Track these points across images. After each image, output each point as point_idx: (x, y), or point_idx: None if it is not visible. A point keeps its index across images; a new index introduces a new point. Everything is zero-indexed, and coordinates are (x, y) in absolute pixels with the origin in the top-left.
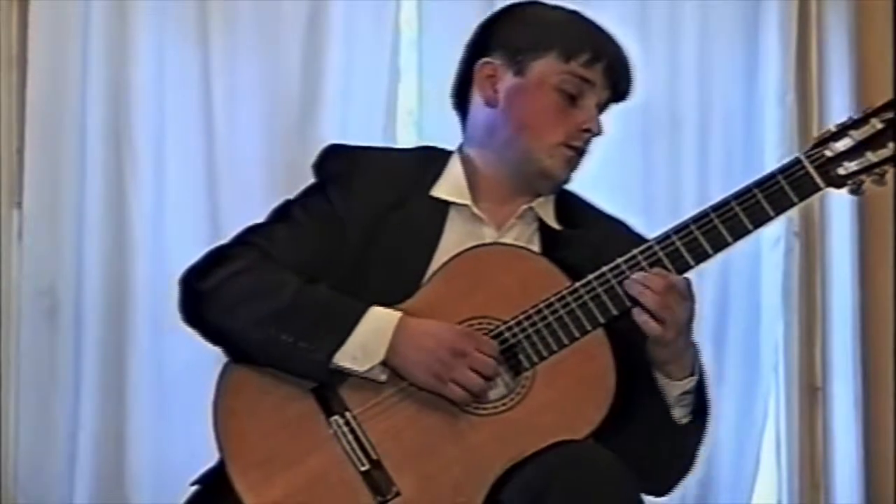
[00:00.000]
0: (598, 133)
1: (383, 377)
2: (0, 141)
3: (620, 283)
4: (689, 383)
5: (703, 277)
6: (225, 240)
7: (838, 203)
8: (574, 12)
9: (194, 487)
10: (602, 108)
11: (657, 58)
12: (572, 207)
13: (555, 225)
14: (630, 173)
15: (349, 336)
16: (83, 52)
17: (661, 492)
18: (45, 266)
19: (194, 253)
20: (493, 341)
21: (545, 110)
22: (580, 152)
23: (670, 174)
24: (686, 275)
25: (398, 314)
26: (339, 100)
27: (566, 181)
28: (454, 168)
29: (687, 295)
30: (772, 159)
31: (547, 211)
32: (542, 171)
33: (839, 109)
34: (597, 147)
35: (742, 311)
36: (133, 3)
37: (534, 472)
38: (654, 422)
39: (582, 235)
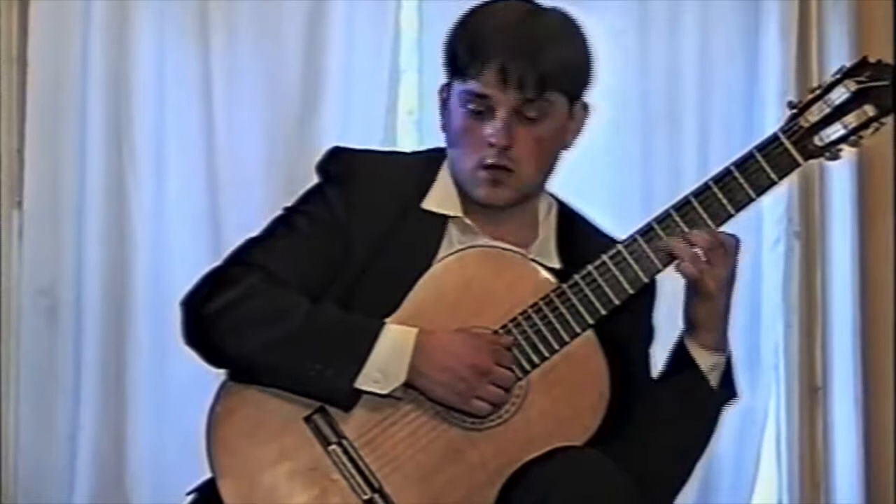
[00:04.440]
0: (500, 144)
1: (400, 393)
2: (0, 141)
3: (607, 280)
4: (720, 358)
5: None
6: (225, 252)
7: (839, 203)
8: (475, 12)
9: (190, 496)
10: (525, 108)
11: (657, 57)
12: (576, 235)
13: (555, 264)
14: (630, 173)
15: (368, 359)
16: (83, 51)
17: (663, 499)
18: (45, 266)
19: (194, 253)
20: (508, 351)
21: (459, 135)
22: (497, 168)
23: (670, 174)
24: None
25: (414, 331)
26: (339, 100)
27: (503, 203)
28: (444, 175)
29: (730, 250)
30: None
31: (546, 250)
32: (475, 198)
33: None
34: (597, 147)
35: (742, 311)
36: (133, 3)
37: (535, 480)
38: (651, 427)
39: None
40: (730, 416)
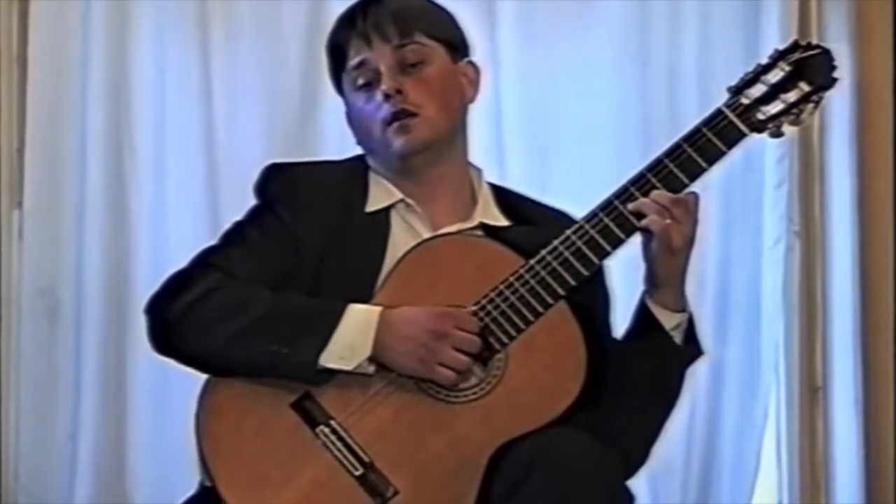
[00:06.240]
0: (390, 88)
1: (371, 369)
2: (0, 141)
3: (573, 253)
4: (682, 317)
5: (703, 277)
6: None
7: (839, 202)
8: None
9: None
10: (402, 56)
11: (657, 58)
12: (514, 204)
13: (503, 222)
14: (629, 174)
15: (332, 336)
16: (83, 52)
17: (637, 462)
18: (45, 266)
19: (194, 251)
20: (473, 318)
21: (362, 116)
22: (400, 115)
23: None
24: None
25: (378, 308)
26: (338, 99)
27: (420, 146)
28: (374, 175)
29: (691, 206)
30: (771, 159)
31: (488, 212)
32: (397, 156)
33: (839, 109)
34: (597, 148)
35: (742, 310)
36: (133, 3)
37: (512, 462)
38: (622, 389)
39: (528, 231)
40: (730, 416)
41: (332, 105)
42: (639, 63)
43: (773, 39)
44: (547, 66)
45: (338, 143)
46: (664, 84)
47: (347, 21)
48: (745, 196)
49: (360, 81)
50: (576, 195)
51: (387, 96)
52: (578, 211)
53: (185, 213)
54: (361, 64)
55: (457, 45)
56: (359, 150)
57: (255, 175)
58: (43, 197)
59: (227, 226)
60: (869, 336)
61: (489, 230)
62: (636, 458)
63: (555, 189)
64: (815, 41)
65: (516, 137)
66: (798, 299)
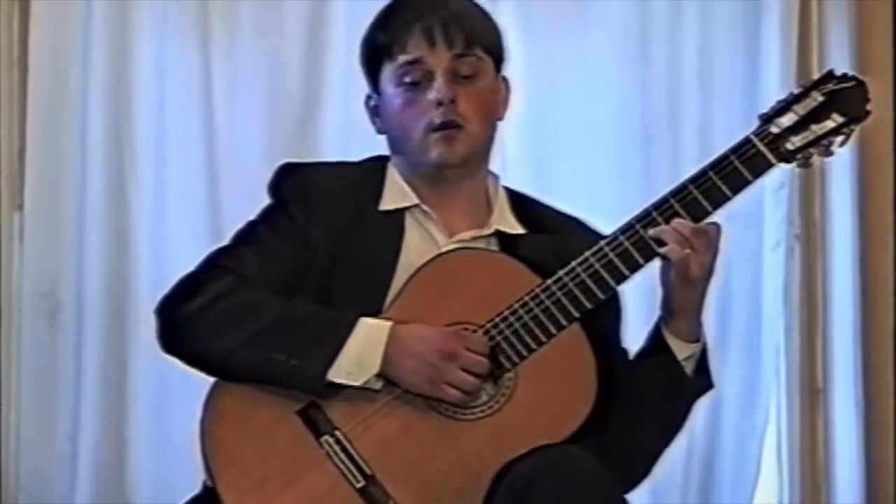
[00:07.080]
0: (446, 98)
1: (378, 385)
2: (0, 141)
3: (591, 275)
4: (696, 348)
5: None
6: (197, 263)
7: (839, 204)
8: (384, 7)
9: None
10: (458, 65)
11: (658, 60)
12: (529, 211)
13: (518, 230)
14: (630, 176)
15: (341, 350)
16: (84, 52)
17: (637, 479)
18: (46, 267)
19: (195, 253)
20: (483, 338)
21: (401, 113)
22: (447, 126)
23: (671, 176)
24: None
25: (388, 324)
26: (339, 99)
27: (459, 160)
28: (392, 174)
29: (712, 237)
30: None
31: (504, 219)
32: (432, 164)
33: None
34: (597, 148)
35: (743, 313)
36: (133, 4)
37: (516, 477)
38: (627, 413)
39: (543, 239)
40: (731, 418)
41: (333, 105)
42: (639, 63)
43: (774, 40)
44: (547, 66)
45: (338, 144)
46: (664, 84)
47: (413, 14)
48: (746, 199)
49: (408, 79)
50: (576, 195)
51: (439, 103)
52: (582, 211)
53: (185, 213)
54: (415, 62)
55: (501, 61)
56: (366, 145)
57: (255, 175)
58: (43, 199)
59: (234, 226)
60: (869, 338)
61: (504, 238)
62: (636, 475)
63: (555, 189)
64: (815, 41)
65: (516, 137)
66: (798, 302)
